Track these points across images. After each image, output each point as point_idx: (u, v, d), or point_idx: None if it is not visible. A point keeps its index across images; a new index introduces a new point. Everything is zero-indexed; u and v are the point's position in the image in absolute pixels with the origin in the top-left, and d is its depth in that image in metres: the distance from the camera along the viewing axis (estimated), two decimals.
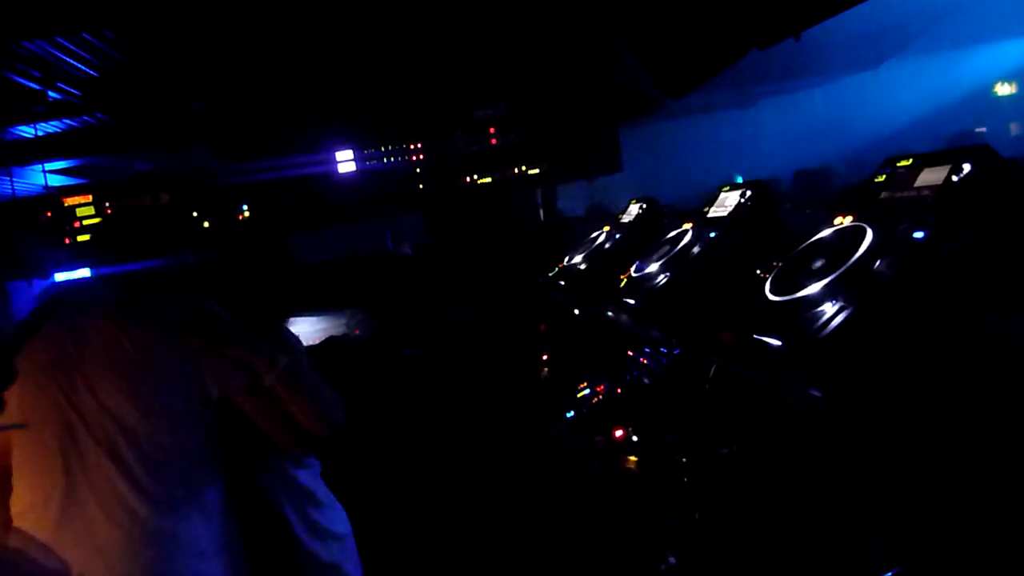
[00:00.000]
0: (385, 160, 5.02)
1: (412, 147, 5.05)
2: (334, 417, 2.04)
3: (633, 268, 3.11)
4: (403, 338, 4.21)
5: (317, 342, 4.46)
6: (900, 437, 1.33)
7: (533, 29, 3.62)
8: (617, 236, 3.81)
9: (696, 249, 2.78)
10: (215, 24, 3.22)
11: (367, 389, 4.12)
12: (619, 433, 2.63)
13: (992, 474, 1.13)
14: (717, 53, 2.80)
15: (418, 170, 5.07)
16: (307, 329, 4.73)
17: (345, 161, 4.91)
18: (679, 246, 2.90)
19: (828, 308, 1.61)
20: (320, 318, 4.93)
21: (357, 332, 4.48)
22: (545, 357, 3.91)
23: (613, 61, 3.32)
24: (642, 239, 3.53)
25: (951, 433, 1.21)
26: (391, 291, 4.60)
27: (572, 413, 3.08)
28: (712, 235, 2.75)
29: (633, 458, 2.48)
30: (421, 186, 5.11)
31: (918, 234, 1.56)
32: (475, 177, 5.14)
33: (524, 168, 5.18)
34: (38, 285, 4.41)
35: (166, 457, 1.72)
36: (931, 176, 1.68)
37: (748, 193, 2.74)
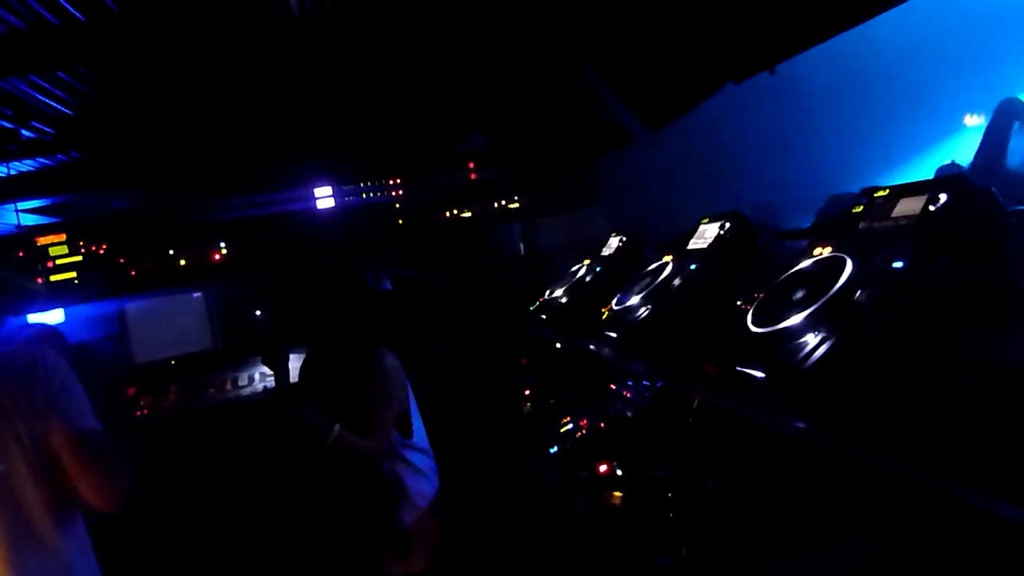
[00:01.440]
0: (365, 195, 5.01)
1: (392, 182, 5.06)
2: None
3: (614, 301, 3.10)
4: None
5: (297, 380, 4.40)
6: (886, 467, 1.32)
7: (511, 64, 3.65)
8: (598, 269, 3.81)
9: (677, 281, 2.78)
10: (192, 61, 3.21)
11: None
12: (603, 468, 2.60)
13: (978, 503, 1.12)
14: (693, 86, 2.84)
15: (398, 205, 5.07)
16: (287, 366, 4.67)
17: (324, 197, 4.89)
18: (660, 278, 2.90)
19: (811, 339, 1.61)
20: (300, 355, 4.87)
21: None
22: (528, 391, 3.88)
23: (591, 94, 3.35)
24: (623, 272, 3.54)
25: (936, 462, 1.20)
26: (372, 326, 4.56)
27: (556, 448, 3.05)
28: (692, 267, 2.75)
29: (618, 493, 2.45)
30: (401, 221, 5.10)
31: (897, 263, 1.57)
32: (455, 212, 5.15)
33: (504, 202, 5.20)
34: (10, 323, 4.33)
35: None
36: (908, 206, 1.69)
37: (727, 225, 2.76)
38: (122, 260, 4.61)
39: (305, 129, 4.73)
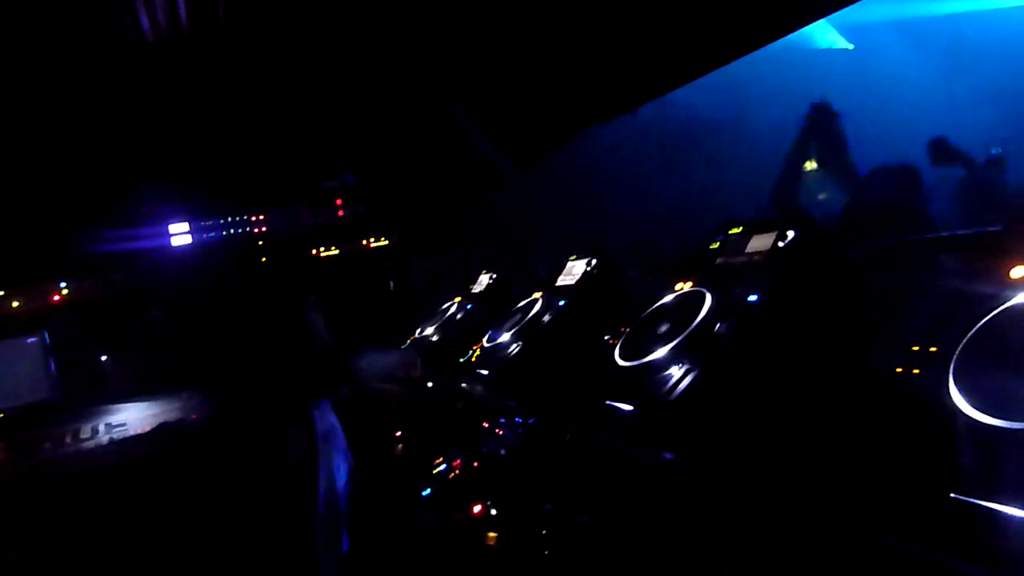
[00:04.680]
0: (225, 232, 4.78)
1: (255, 218, 4.86)
2: None
3: (485, 338, 3.10)
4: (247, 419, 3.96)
5: (148, 430, 4.09)
6: (751, 493, 1.36)
7: (381, 101, 3.63)
8: (468, 306, 3.81)
9: (546, 318, 2.82)
10: (31, 85, 2.98)
11: (209, 477, 3.80)
12: (477, 508, 2.56)
13: (834, 523, 1.17)
14: (561, 127, 2.92)
15: (261, 242, 4.87)
16: (136, 415, 4.33)
17: (180, 234, 4.63)
18: (530, 315, 2.92)
19: (675, 371, 1.66)
20: (151, 403, 4.54)
21: (194, 416, 4.15)
22: (398, 433, 3.79)
23: (461, 133, 3.38)
24: (493, 309, 3.55)
25: (798, 485, 1.25)
26: (233, 369, 4.33)
27: (428, 491, 2.97)
28: (561, 303, 2.80)
29: (493, 534, 2.41)
30: (264, 259, 4.90)
31: (752, 297, 1.65)
32: (322, 249, 5.01)
33: (372, 239, 5.12)
34: None
35: None
36: (760, 242, 1.80)
37: (594, 261, 2.83)
38: None
39: (160, 160, 4.48)
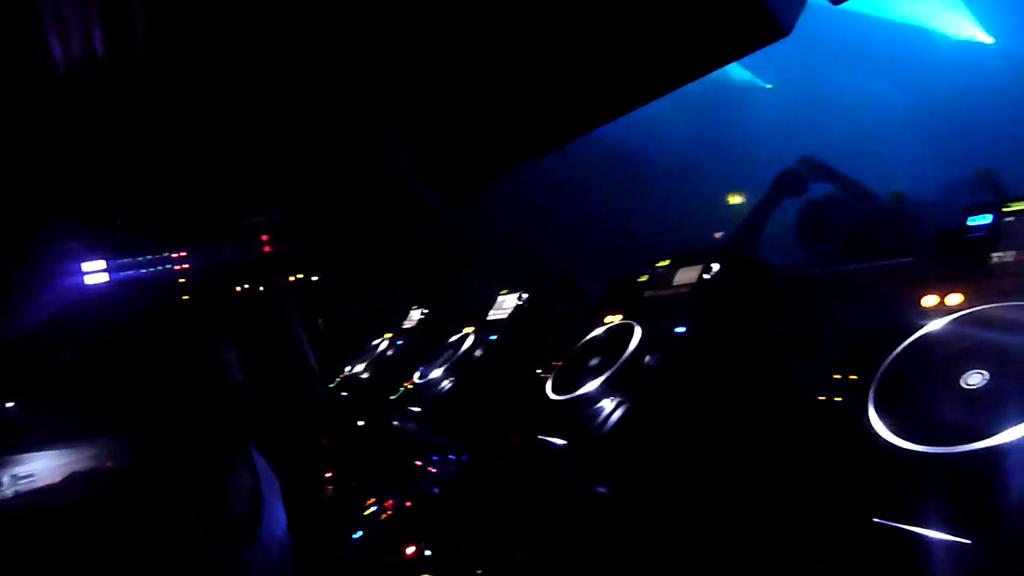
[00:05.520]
0: (144, 269, 4.60)
1: (176, 255, 4.70)
2: None
3: (417, 374, 3.06)
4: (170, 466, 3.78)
5: (58, 480, 3.86)
6: (683, 524, 1.37)
7: (307, 135, 3.59)
8: (399, 343, 3.76)
9: (478, 352, 2.80)
10: None
11: (128, 531, 3.61)
12: (411, 550, 2.50)
13: (763, 550, 1.18)
14: (489, 164, 2.94)
15: (183, 280, 4.71)
16: (45, 465, 4.09)
17: (95, 272, 4.43)
18: (461, 350, 2.91)
19: (607, 404, 1.66)
20: (63, 451, 4.30)
21: (108, 464, 3.94)
22: (329, 474, 3.69)
23: (391, 170, 3.36)
24: (424, 345, 3.52)
25: (728, 514, 1.26)
26: (154, 412, 4.14)
27: (360, 532, 2.90)
28: (493, 338, 2.79)
29: (427, 575, 2.36)
30: (187, 297, 4.74)
31: (680, 329, 1.68)
32: (247, 286, 4.88)
33: (301, 276, 5.02)
34: None
35: None
36: (686, 275, 1.84)
37: (525, 295, 2.84)
38: None
39: (76, 195, 4.29)
